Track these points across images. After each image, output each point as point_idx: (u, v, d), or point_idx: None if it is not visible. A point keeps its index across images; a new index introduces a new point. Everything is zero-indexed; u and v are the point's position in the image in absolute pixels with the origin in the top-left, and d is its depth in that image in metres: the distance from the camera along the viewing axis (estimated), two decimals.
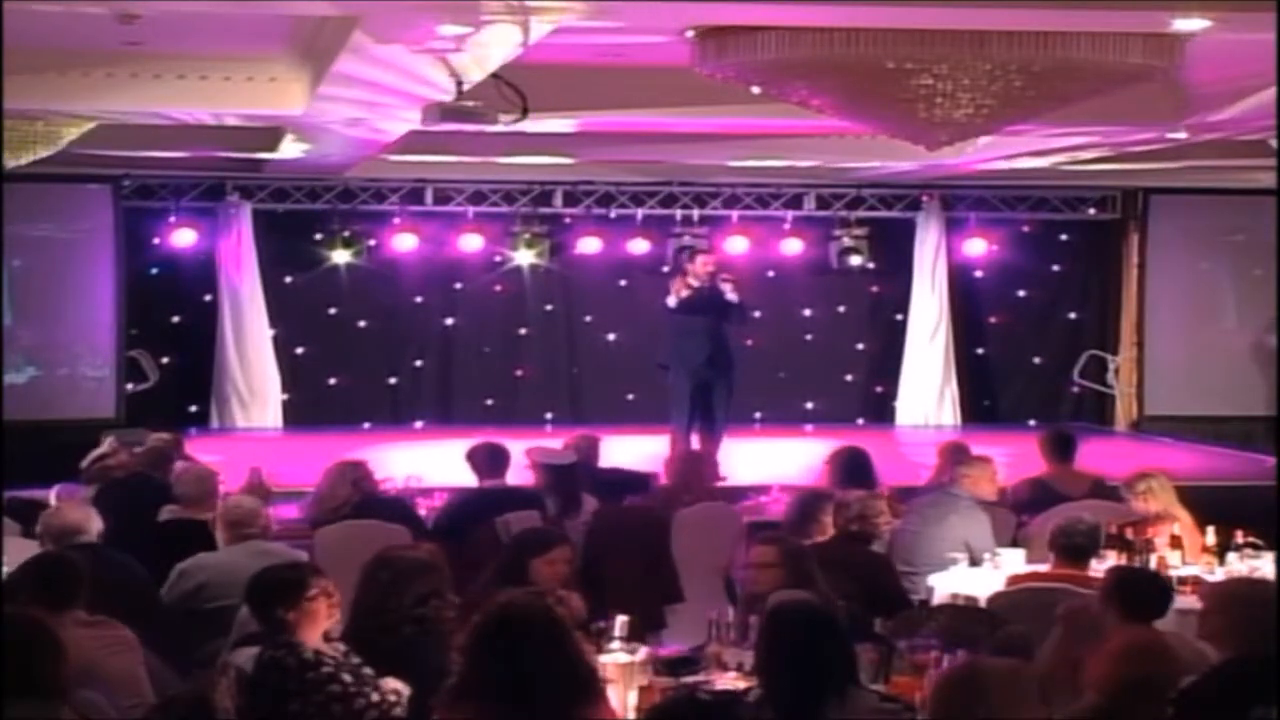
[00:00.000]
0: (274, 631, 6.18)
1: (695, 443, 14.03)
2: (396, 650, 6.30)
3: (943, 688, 5.26)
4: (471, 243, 17.89)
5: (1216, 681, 6.01)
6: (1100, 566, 8.16)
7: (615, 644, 6.53)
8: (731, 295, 14.17)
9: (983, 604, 8.01)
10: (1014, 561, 8.96)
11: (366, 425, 17.83)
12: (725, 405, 14.45)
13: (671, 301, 14.33)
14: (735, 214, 18.30)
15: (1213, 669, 6.12)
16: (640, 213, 18.13)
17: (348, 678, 6.02)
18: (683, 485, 10.46)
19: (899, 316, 18.81)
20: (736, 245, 18.13)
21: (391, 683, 6.21)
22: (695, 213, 18.21)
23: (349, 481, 9.79)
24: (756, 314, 18.35)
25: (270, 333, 17.84)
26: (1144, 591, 6.79)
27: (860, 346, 18.98)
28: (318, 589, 6.22)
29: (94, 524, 8.03)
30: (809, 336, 18.79)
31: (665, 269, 17.94)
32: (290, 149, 14.23)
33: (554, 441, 11.78)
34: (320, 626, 6.20)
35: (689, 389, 14.19)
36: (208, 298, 17.78)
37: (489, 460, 10.27)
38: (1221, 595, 6.52)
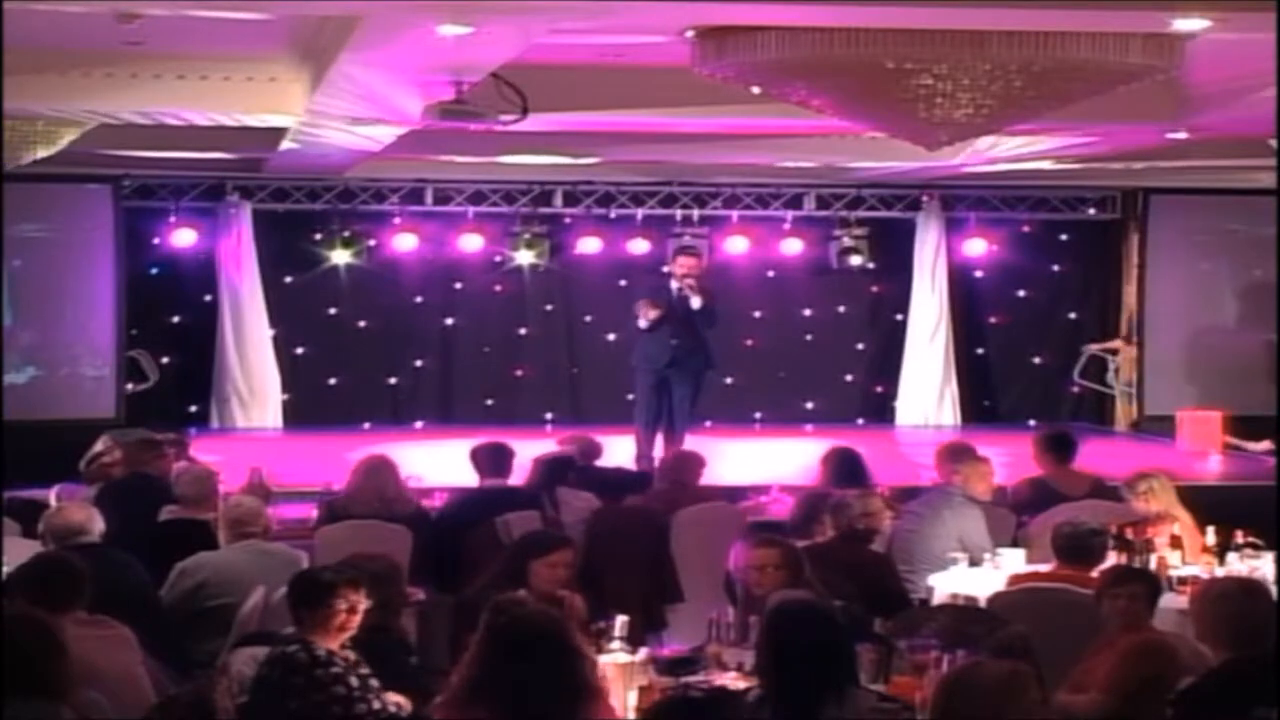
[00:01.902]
0: (298, 626, 6.23)
1: (659, 445, 14.11)
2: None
3: (944, 688, 5.25)
4: (471, 243, 17.88)
5: (1216, 682, 6.02)
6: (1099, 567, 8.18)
7: (615, 644, 6.54)
8: (695, 303, 14.28)
9: (983, 604, 8.01)
10: (1014, 561, 8.96)
11: (366, 425, 17.81)
12: (687, 408, 14.56)
13: (642, 323, 14.47)
14: (735, 214, 18.29)
15: (1212, 669, 6.13)
16: (640, 213, 18.13)
17: (354, 682, 6.06)
18: (676, 486, 10.43)
19: (899, 316, 18.80)
20: (736, 245, 18.13)
21: (394, 696, 6.23)
22: (695, 213, 18.20)
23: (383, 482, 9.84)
24: (756, 314, 18.47)
25: (270, 333, 17.82)
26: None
27: (860, 346, 18.97)
28: (344, 602, 6.29)
29: (96, 524, 8.03)
30: (809, 336, 18.78)
31: (665, 269, 17.96)
32: (290, 144, 14.24)
33: (550, 443, 11.81)
34: (336, 635, 6.23)
35: (650, 388, 14.34)
36: (208, 298, 17.76)
37: (492, 460, 10.29)
38: (1207, 595, 6.54)
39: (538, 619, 5.38)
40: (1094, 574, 8.06)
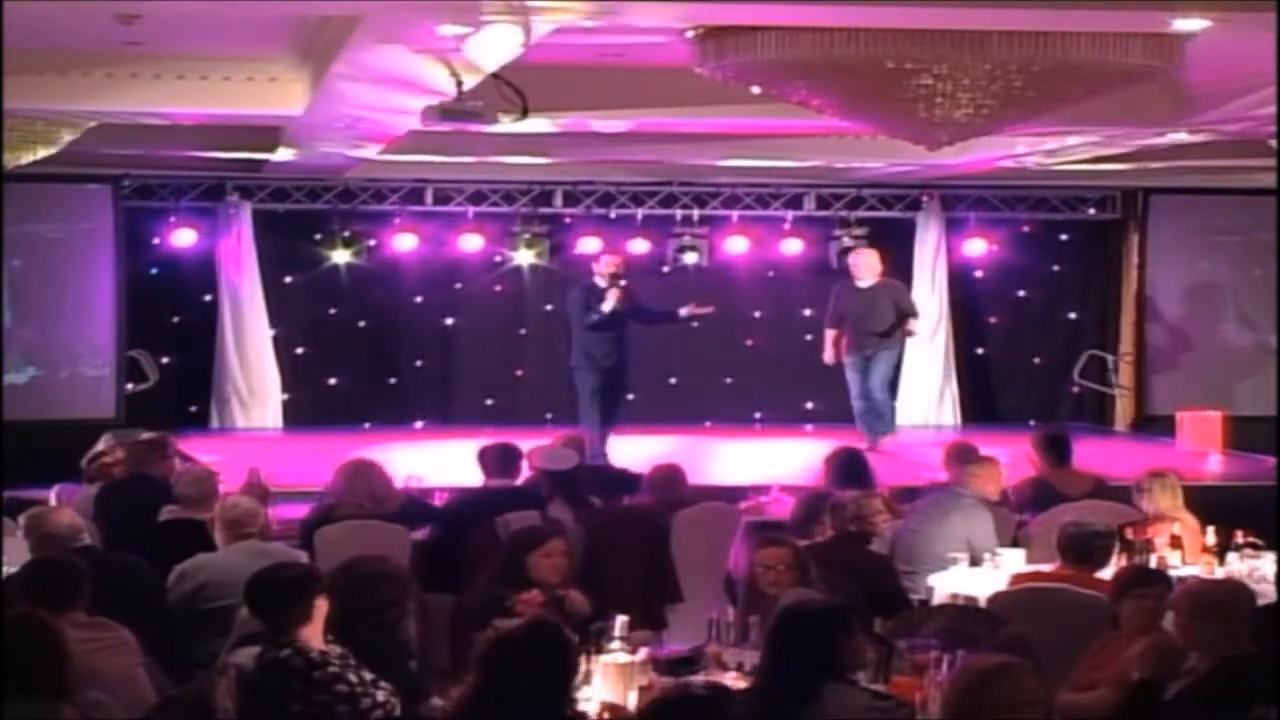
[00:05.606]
0: (279, 631, 6.19)
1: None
2: (352, 653, 6.33)
3: (961, 684, 5.22)
4: (471, 243, 17.87)
5: (1215, 681, 6.02)
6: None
7: (615, 644, 6.54)
8: (609, 306, 14.41)
9: (983, 604, 8.01)
10: (1014, 561, 8.96)
11: (366, 425, 17.79)
12: (620, 406, 14.77)
13: (607, 307, 14.43)
14: (735, 214, 18.28)
15: (1210, 669, 6.13)
16: (640, 213, 18.12)
17: (353, 678, 6.04)
18: (667, 497, 10.37)
19: None
20: (736, 245, 18.13)
21: (387, 686, 6.23)
22: (695, 213, 18.19)
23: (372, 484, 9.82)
24: (756, 314, 18.46)
25: (270, 333, 17.82)
26: None
27: None
28: (321, 588, 6.28)
29: (82, 527, 8.02)
30: (809, 336, 18.72)
31: (665, 269, 17.97)
32: (286, 153, 14.25)
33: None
34: (316, 630, 6.22)
35: (596, 389, 14.40)
36: (208, 298, 17.75)
37: (499, 460, 10.27)
38: (1189, 600, 6.51)
39: (538, 638, 5.47)
40: (1099, 575, 8.08)
